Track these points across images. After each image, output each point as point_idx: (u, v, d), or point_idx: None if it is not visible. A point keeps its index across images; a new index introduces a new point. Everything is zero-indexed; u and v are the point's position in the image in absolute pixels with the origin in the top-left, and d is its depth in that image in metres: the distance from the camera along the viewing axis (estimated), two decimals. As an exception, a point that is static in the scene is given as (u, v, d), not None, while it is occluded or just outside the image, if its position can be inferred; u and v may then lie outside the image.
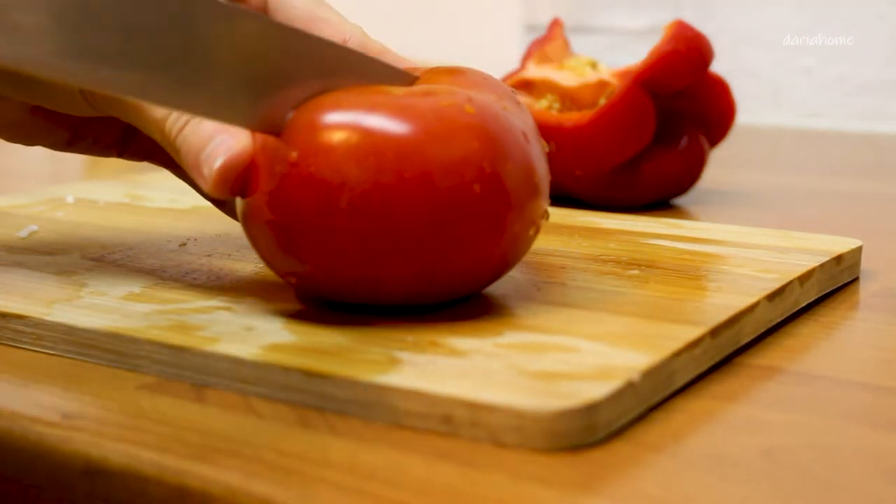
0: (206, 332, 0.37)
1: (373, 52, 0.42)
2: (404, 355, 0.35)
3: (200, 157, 0.38)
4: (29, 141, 0.46)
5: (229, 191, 0.38)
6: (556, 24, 0.67)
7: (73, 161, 0.92)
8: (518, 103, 0.40)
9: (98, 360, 0.38)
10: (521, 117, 0.38)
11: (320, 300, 0.41)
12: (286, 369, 0.34)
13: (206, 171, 0.37)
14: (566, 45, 0.67)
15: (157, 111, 0.39)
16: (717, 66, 0.64)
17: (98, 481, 0.32)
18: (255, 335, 0.37)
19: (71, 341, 0.39)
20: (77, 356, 0.39)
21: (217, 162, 0.37)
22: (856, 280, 0.48)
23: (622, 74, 0.61)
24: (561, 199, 0.63)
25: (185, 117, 0.39)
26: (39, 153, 0.99)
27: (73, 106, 0.42)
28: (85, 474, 0.32)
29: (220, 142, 0.38)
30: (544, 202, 0.39)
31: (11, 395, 0.36)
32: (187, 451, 0.31)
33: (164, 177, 0.70)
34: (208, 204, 0.47)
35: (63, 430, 0.33)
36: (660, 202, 0.65)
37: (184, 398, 0.35)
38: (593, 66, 0.63)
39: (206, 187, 0.38)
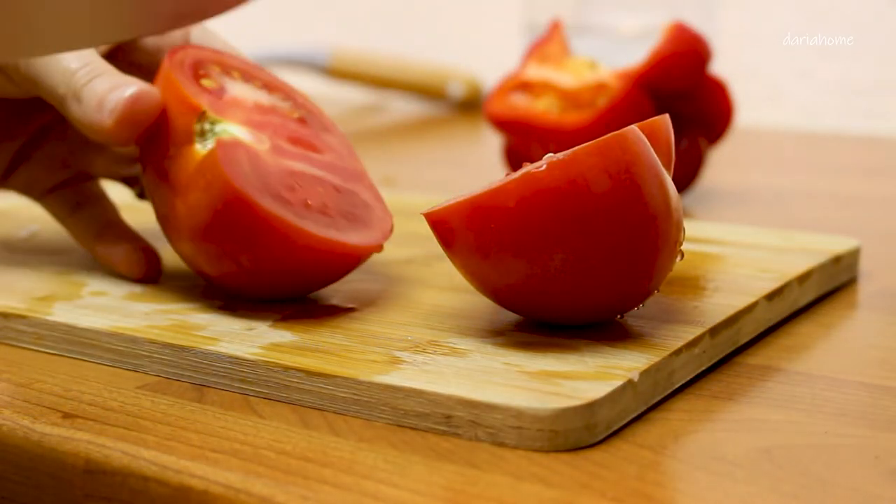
0: (207, 332, 0.37)
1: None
2: (404, 355, 0.35)
3: (106, 97, 0.38)
4: None
5: (130, 129, 0.37)
6: (555, 25, 0.67)
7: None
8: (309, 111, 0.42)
9: (99, 360, 0.38)
10: None
11: (318, 300, 0.41)
12: (286, 369, 0.34)
13: (110, 106, 0.37)
14: (566, 45, 0.67)
15: (71, 61, 0.39)
16: (717, 67, 0.64)
17: (98, 481, 0.32)
18: (255, 335, 0.37)
19: (72, 341, 0.39)
20: (78, 356, 0.39)
21: (127, 91, 0.37)
22: (854, 280, 0.48)
23: (622, 75, 0.61)
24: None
25: (98, 69, 0.39)
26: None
27: None
28: (85, 474, 0.32)
29: (129, 83, 0.38)
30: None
31: (12, 395, 0.36)
32: (187, 450, 0.31)
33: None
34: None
35: (63, 430, 0.33)
36: (659, 202, 0.65)
37: (184, 398, 0.35)
38: (592, 66, 0.63)
39: (105, 123, 0.38)
